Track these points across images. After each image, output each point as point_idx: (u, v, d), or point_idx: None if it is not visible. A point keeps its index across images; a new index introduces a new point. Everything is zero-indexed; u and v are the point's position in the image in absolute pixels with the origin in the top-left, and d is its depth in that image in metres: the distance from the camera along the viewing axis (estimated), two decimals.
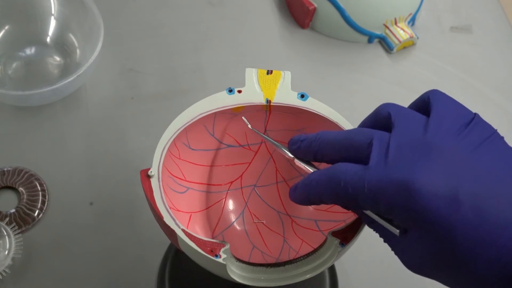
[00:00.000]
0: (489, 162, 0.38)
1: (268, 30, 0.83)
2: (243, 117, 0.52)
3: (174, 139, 0.50)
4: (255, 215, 0.57)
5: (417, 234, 0.39)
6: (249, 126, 0.52)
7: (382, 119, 0.42)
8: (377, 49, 0.82)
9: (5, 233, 0.62)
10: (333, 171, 0.41)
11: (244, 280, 0.47)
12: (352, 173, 0.40)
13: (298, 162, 0.47)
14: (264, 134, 0.52)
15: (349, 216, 0.52)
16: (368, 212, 0.42)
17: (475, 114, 0.41)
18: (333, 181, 0.41)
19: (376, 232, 0.43)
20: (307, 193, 0.43)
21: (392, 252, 0.42)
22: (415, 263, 0.40)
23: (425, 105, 0.42)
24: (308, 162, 0.46)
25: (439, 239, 0.37)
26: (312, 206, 0.56)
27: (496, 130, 0.40)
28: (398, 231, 0.40)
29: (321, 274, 0.63)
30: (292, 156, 0.47)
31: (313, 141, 0.44)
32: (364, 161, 0.40)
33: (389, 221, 0.41)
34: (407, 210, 0.38)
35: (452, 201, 0.37)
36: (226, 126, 0.54)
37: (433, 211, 0.37)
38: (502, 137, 0.40)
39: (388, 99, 0.47)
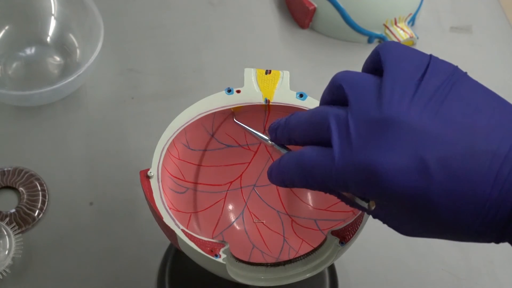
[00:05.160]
0: (452, 120, 0.36)
1: (268, 30, 0.83)
2: (230, 108, 0.52)
3: (173, 140, 0.50)
4: (254, 215, 0.57)
5: (397, 210, 0.38)
6: (234, 119, 0.52)
7: (336, 91, 0.41)
8: None
9: (5, 233, 0.62)
10: (301, 157, 0.41)
11: (244, 279, 0.47)
12: (318, 161, 0.39)
13: (276, 148, 0.46)
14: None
15: (349, 215, 0.52)
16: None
17: (430, 57, 0.39)
18: (302, 169, 0.40)
19: (360, 209, 0.43)
20: (281, 177, 0.43)
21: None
22: (406, 228, 0.39)
23: (378, 63, 0.40)
24: (285, 147, 0.46)
25: (420, 211, 0.36)
26: (312, 205, 0.56)
27: (457, 66, 0.38)
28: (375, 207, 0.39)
29: (321, 274, 0.63)
30: (271, 143, 0.46)
31: (285, 122, 0.44)
32: (328, 143, 0.39)
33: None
34: (379, 194, 0.37)
35: (422, 171, 0.35)
36: (225, 126, 0.54)
37: (405, 188, 0.36)
38: (465, 73, 0.39)
39: None
